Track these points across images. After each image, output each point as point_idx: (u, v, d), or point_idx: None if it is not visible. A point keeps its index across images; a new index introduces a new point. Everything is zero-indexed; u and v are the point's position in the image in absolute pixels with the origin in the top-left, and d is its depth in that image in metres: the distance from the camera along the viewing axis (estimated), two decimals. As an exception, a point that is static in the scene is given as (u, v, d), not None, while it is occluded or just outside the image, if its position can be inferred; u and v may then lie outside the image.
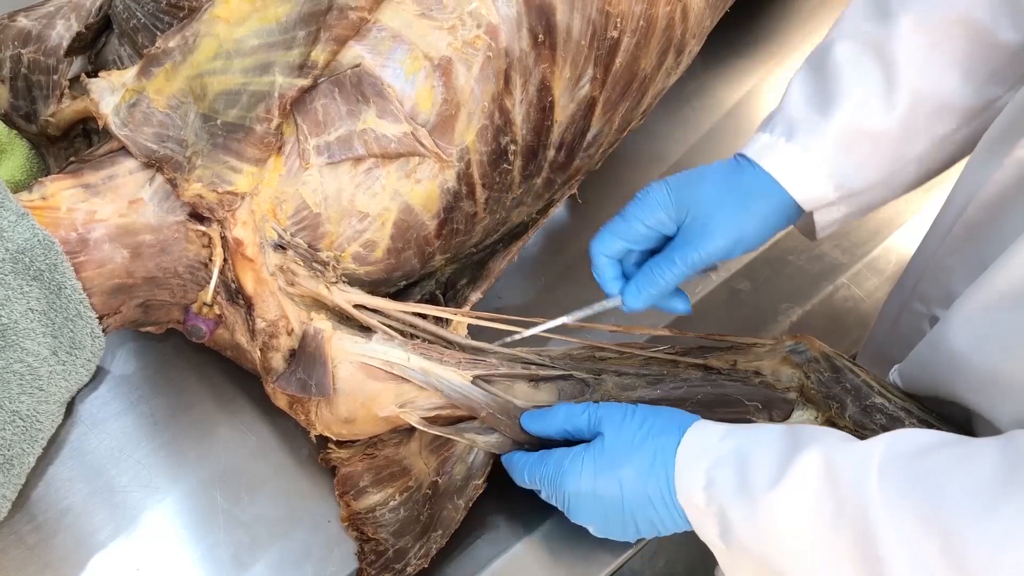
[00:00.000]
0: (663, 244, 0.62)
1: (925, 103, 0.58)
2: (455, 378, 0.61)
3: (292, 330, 0.61)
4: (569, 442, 0.60)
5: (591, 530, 0.59)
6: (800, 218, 0.63)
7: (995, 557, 0.41)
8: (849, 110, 0.58)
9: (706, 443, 0.54)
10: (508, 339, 0.64)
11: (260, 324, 0.61)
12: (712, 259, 0.59)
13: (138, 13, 0.65)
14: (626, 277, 0.63)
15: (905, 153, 0.60)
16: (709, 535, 0.54)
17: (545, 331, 0.62)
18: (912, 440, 0.48)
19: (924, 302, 0.62)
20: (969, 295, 0.51)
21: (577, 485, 0.57)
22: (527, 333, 0.61)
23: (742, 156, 0.62)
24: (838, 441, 0.50)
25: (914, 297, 0.63)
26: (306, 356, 0.61)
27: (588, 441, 0.58)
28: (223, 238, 0.59)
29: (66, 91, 0.68)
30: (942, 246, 0.59)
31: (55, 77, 0.67)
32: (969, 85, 0.58)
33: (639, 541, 0.61)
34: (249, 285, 0.60)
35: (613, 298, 0.62)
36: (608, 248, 0.61)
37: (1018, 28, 0.55)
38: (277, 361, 0.62)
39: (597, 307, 0.62)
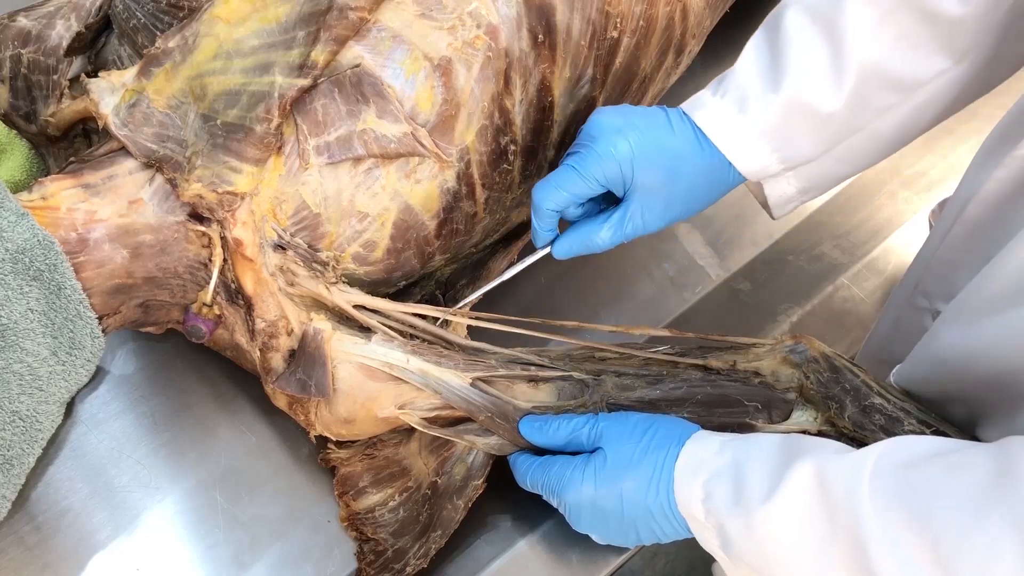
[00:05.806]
0: (605, 195, 0.63)
1: (872, 77, 0.58)
2: (454, 380, 0.61)
3: (292, 330, 0.61)
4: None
5: (594, 537, 0.59)
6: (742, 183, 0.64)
7: (985, 565, 0.41)
8: (797, 85, 0.58)
9: (703, 456, 0.54)
10: (439, 320, 0.66)
11: (260, 324, 0.61)
12: (648, 229, 0.61)
13: (138, 13, 0.65)
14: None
15: (850, 127, 0.60)
16: (711, 545, 0.54)
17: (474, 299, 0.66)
18: (904, 450, 0.48)
19: (927, 297, 0.62)
20: (967, 294, 0.51)
21: (578, 496, 0.57)
22: (464, 302, 0.65)
23: (695, 127, 0.61)
24: (831, 453, 0.50)
25: (917, 293, 0.63)
26: (306, 356, 0.61)
27: (589, 451, 0.59)
28: (223, 238, 0.59)
29: (66, 91, 0.67)
30: (944, 242, 0.59)
31: (55, 77, 0.67)
32: (915, 58, 0.58)
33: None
34: (249, 285, 0.60)
35: (543, 250, 0.64)
36: (555, 202, 0.61)
37: (964, 0, 0.55)
38: (277, 361, 0.62)
39: (529, 260, 0.65)
